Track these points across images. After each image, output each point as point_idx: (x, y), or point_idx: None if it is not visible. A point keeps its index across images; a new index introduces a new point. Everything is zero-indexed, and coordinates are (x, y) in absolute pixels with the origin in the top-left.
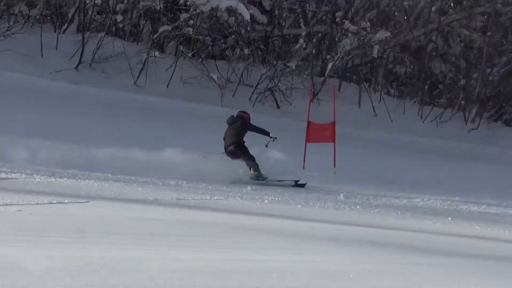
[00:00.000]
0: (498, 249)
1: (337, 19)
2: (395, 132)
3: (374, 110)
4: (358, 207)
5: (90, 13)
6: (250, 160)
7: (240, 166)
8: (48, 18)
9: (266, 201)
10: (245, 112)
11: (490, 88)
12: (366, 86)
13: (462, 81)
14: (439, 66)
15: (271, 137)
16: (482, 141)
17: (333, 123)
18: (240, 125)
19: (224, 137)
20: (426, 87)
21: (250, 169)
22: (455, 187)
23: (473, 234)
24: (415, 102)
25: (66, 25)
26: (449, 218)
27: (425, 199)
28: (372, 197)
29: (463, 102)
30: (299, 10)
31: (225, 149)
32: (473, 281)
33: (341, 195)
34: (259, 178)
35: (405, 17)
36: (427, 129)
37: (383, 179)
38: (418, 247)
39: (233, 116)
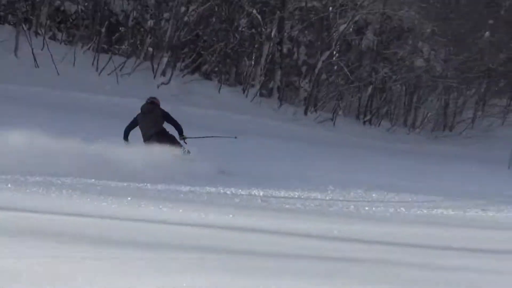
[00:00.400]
0: None
1: None
2: (67, 88)
3: (35, 60)
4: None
5: None
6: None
7: None
8: None
9: None
10: (154, 98)
11: (186, 32)
12: (25, 28)
13: (150, 22)
14: (120, 4)
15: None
16: (175, 98)
17: None
18: (160, 114)
19: (141, 125)
20: (103, 30)
21: (184, 150)
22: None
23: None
24: (89, 49)
25: None
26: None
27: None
28: None
29: (150, 49)
30: None
31: (149, 136)
32: None
33: None
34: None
35: None
36: (103, 83)
37: None
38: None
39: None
